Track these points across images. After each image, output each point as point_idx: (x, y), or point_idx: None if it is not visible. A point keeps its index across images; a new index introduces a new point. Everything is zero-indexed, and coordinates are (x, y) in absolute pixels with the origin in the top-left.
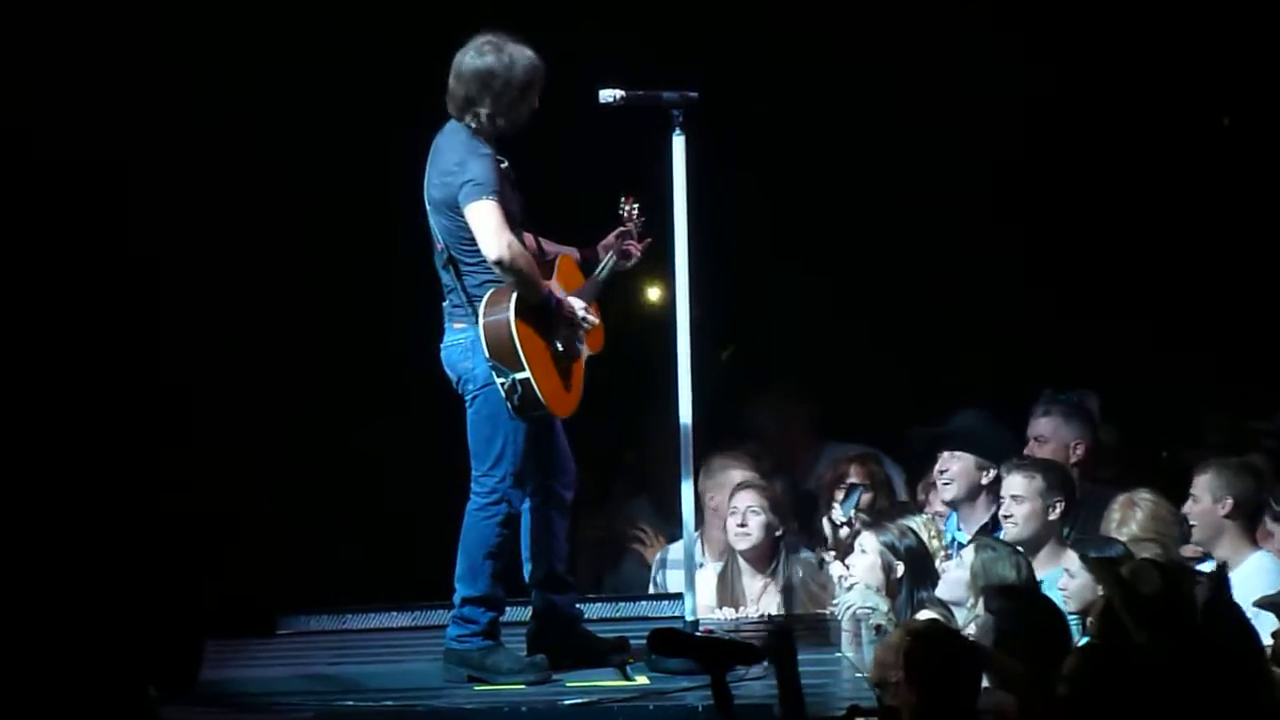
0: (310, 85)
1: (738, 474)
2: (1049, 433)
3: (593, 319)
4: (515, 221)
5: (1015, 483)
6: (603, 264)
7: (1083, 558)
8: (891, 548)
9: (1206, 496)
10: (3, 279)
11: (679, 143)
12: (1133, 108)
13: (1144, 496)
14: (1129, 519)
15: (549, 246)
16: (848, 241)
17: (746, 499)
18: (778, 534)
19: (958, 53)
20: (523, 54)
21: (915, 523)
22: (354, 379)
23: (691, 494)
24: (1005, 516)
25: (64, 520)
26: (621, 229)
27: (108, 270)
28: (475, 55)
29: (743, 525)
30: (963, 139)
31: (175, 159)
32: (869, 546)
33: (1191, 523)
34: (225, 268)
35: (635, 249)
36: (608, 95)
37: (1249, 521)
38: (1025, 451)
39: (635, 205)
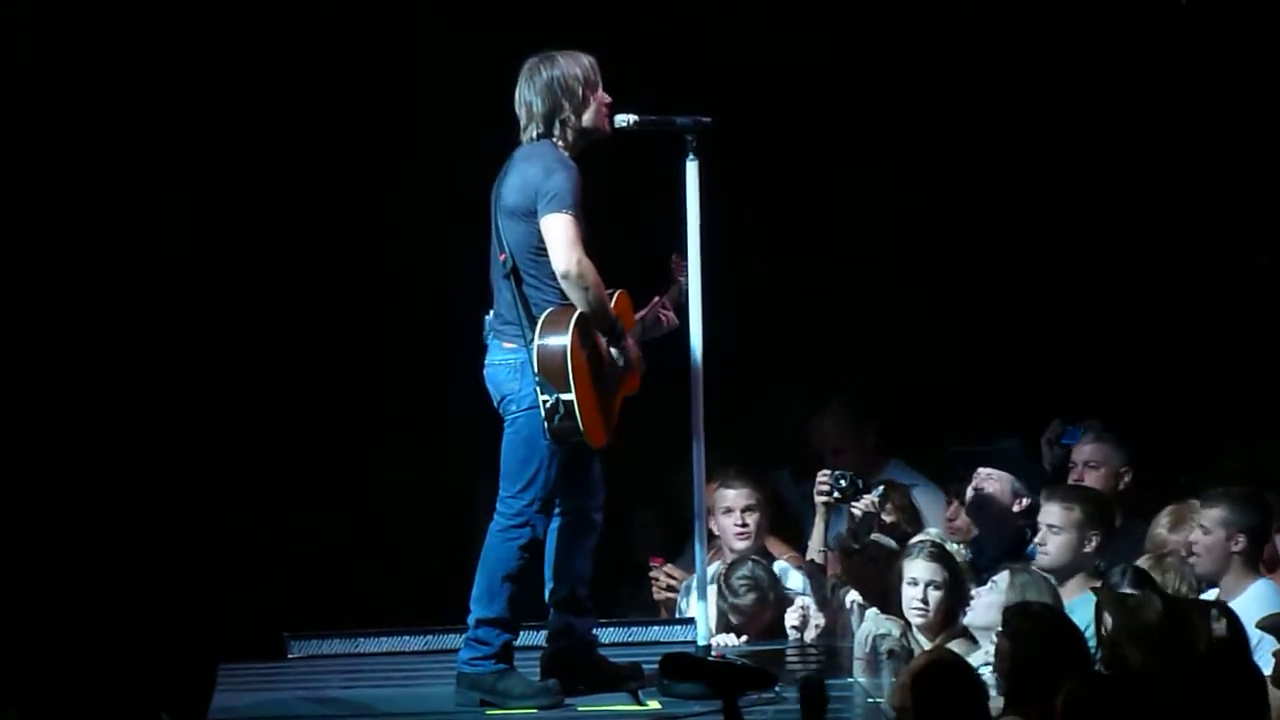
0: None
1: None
2: (1101, 458)
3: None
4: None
5: (1053, 512)
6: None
7: (1097, 589)
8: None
9: (1220, 530)
10: (30, 298)
11: (692, 167)
12: (1151, 131)
13: (1197, 505)
14: (1180, 528)
15: None
16: (862, 265)
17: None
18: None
19: (978, 71)
20: (576, 55)
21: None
22: (369, 401)
23: (704, 519)
24: (1039, 544)
25: (80, 547)
26: (659, 299)
27: (134, 288)
28: (537, 72)
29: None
30: (986, 161)
31: (205, 176)
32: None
33: (1196, 553)
34: (247, 285)
35: (667, 320)
36: (621, 120)
37: (1255, 552)
38: (1072, 477)
39: (685, 263)
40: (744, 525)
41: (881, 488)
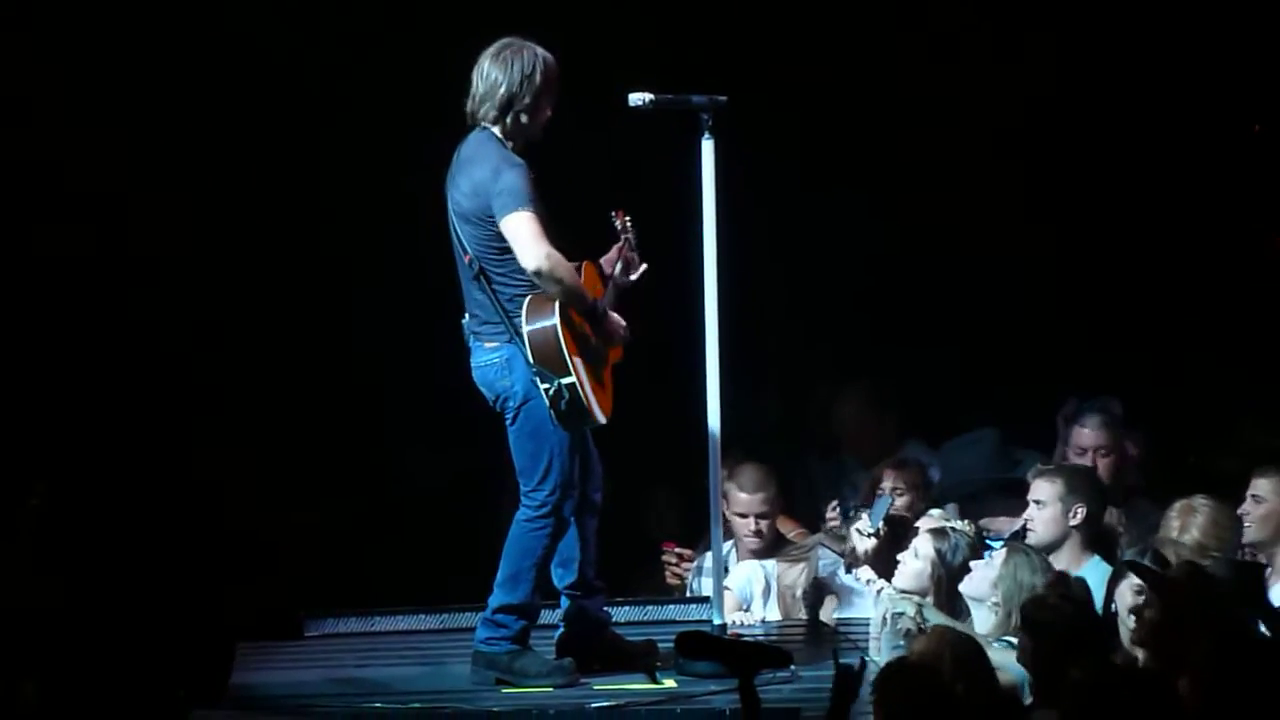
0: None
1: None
2: (1107, 443)
3: (623, 330)
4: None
5: (1037, 488)
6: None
7: (1135, 571)
8: (943, 557)
9: (1274, 499)
10: (39, 295)
11: (708, 146)
12: (1164, 110)
13: (1202, 502)
14: (1190, 525)
15: None
16: (874, 245)
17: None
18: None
19: (989, 55)
20: (545, 53)
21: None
22: (383, 383)
23: (719, 500)
24: (1027, 520)
25: (95, 528)
26: (620, 244)
27: (139, 280)
28: (506, 59)
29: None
30: (996, 141)
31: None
32: (922, 553)
33: (1247, 524)
34: (257, 275)
35: (635, 262)
36: (637, 99)
37: None
38: (1077, 462)
39: (627, 218)
40: (757, 531)
41: (886, 497)
